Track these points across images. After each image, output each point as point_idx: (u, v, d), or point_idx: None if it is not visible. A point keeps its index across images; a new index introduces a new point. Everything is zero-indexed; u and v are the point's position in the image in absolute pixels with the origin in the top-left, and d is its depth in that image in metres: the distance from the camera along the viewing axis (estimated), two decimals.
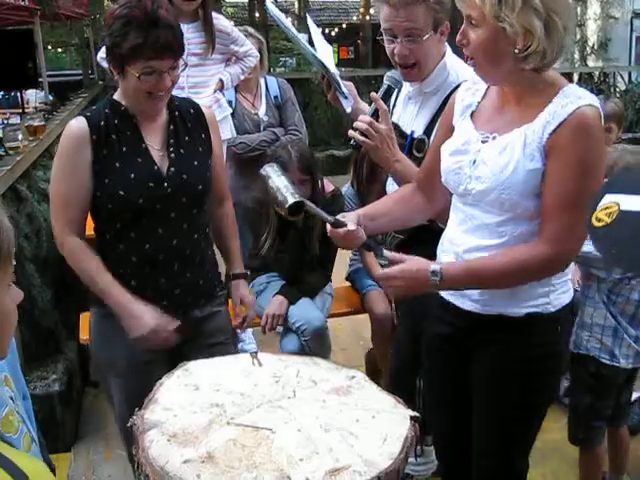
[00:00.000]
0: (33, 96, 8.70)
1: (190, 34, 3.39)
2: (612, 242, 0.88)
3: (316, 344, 3.32)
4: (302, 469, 1.45)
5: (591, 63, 13.82)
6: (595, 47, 13.92)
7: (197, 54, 3.43)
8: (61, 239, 2.19)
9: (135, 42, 1.99)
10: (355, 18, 17.72)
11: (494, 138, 1.87)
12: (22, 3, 6.39)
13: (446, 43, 2.40)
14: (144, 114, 2.18)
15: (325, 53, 2.43)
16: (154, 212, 2.15)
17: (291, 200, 1.95)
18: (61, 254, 2.23)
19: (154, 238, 2.18)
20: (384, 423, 1.64)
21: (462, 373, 2.08)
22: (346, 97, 2.51)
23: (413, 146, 2.40)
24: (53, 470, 1.50)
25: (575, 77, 11.87)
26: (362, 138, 2.20)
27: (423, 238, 2.40)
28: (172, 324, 2.17)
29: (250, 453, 1.50)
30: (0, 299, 1.08)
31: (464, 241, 1.95)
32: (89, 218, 2.23)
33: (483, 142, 1.89)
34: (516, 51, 1.73)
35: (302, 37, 2.48)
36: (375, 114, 2.23)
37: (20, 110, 7.52)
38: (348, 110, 2.56)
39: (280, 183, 1.99)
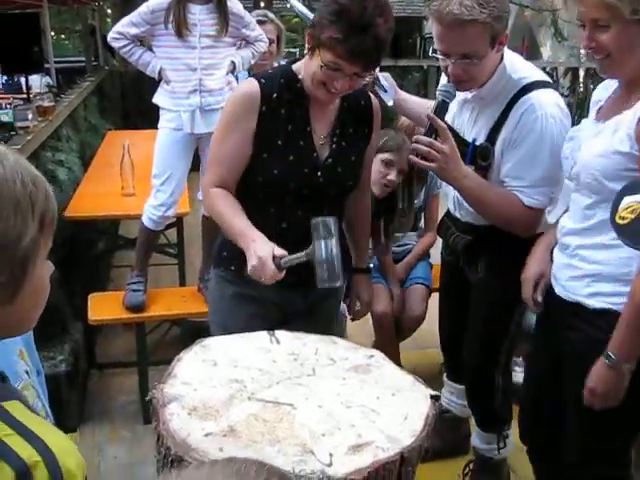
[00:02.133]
0: (37, 81, 8.67)
1: (203, 15, 3.39)
2: (637, 235, 0.88)
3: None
4: (325, 444, 1.44)
5: None
6: None
7: (210, 36, 3.41)
8: (205, 191, 2.19)
9: (335, 36, 1.91)
10: None
11: (603, 122, 1.86)
12: None
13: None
14: (317, 100, 2.11)
15: None
16: (300, 195, 2.11)
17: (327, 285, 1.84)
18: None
19: (293, 218, 2.13)
20: (404, 401, 1.63)
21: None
22: (386, 90, 2.46)
23: (476, 154, 2.30)
24: None
25: (581, 72, 11.84)
26: (425, 163, 2.12)
27: (491, 238, 2.39)
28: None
29: (272, 428, 1.49)
30: (39, 270, 1.05)
31: (564, 224, 2.00)
32: None
33: (591, 130, 1.90)
34: None
35: None
36: (431, 131, 2.13)
37: (25, 95, 7.49)
38: (390, 103, 2.50)
39: (325, 253, 1.82)
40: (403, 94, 2.61)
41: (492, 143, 2.27)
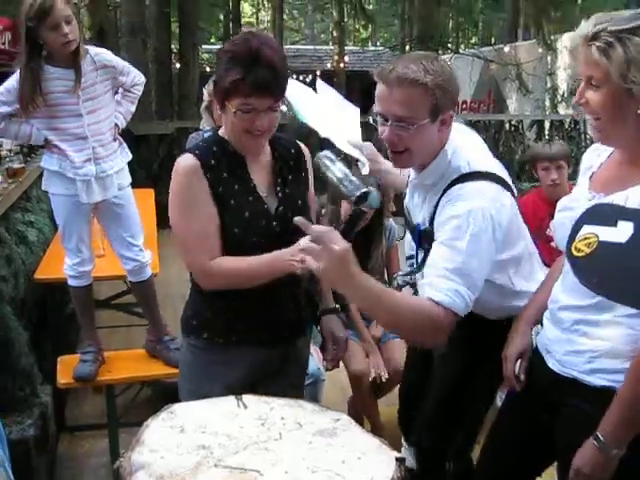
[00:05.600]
0: (8, 142, 8.67)
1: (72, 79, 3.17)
2: (593, 271, 0.92)
3: (311, 394, 3.20)
4: None
5: (562, 111, 14.16)
6: (565, 95, 14.26)
7: (91, 98, 3.24)
8: (205, 270, 2.17)
9: (235, 77, 2.02)
10: (329, 65, 18.02)
11: (601, 196, 1.79)
12: (3, 47, 6.42)
13: (453, 129, 2.13)
14: (249, 152, 2.21)
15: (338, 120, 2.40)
16: (262, 249, 2.15)
17: (356, 192, 1.87)
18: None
19: None
20: (370, 464, 1.65)
21: None
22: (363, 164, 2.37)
23: (422, 238, 2.20)
24: None
25: (547, 124, 12.12)
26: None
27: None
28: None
29: None
30: None
31: (560, 298, 1.90)
32: None
33: (589, 200, 1.81)
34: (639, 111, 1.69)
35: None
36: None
37: None
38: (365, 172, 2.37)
39: (340, 173, 1.94)
40: (387, 164, 2.42)
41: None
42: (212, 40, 21.76)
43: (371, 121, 2.11)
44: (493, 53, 16.02)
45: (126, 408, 3.92)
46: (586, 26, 1.73)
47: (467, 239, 1.94)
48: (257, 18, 32.41)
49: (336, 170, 1.95)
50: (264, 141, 2.21)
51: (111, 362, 3.58)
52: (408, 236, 2.40)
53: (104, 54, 3.33)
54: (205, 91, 4.13)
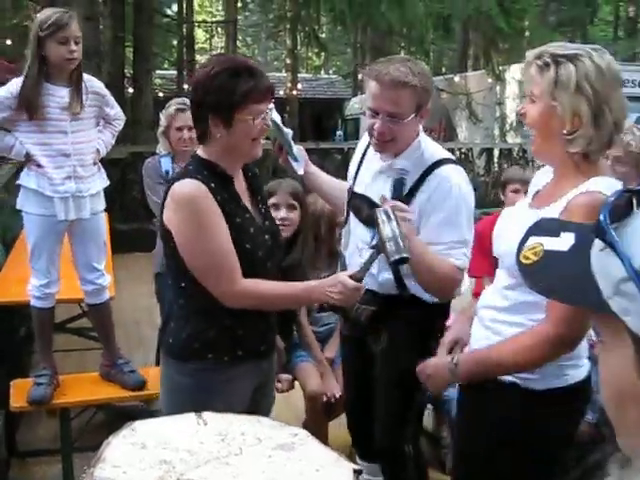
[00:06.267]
0: None
1: (69, 98, 3.29)
2: (540, 277, 1.01)
3: None
4: None
5: (510, 139, 14.48)
6: (514, 124, 14.60)
7: (79, 118, 3.33)
8: (234, 291, 2.23)
9: (247, 87, 2.14)
10: (282, 92, 18.16)
11: (534, 212, 1.96)
12: None
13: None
14: (255, 157, 2.32)
15: (275, 115, 2.53)
16: (265, 262, 2.32)
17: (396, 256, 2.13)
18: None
19: None
20: (328, 476, 1.70)
21: None
22: (297, 160, 2.61)
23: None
24: None
25: (496, 152, 12.38)
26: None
27: (393, 307, 2.53)
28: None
29: None
30: None
31: (484, 297, 2.16)
32: None
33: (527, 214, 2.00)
34: (564, 132, 1.86)
35: None
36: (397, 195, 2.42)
37: None
38: (300, 172, 2.67)
39: (390, 232, 2.14)
40: (314, 168, 2.80)
41: None
42: (165, 66, 21.75)
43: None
44: (444, 82, 16.33)
45: (80, 432, 3.88)
46: (539, 48, 1.92)
47: (462, 213, 2.42)
48: (210, 44, 32.53)
49: (388, 228, 2.14)
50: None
51: (66, 385, 3.56)
52: (359, 230, 2.63)
53: (96, 82, 3.49)
54: (162, 116, 4.15)
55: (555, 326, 1.85)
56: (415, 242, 2.29)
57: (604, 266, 0.86)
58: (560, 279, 0.96)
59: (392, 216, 2.15)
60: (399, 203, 2.32)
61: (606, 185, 1.85)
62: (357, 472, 1.73)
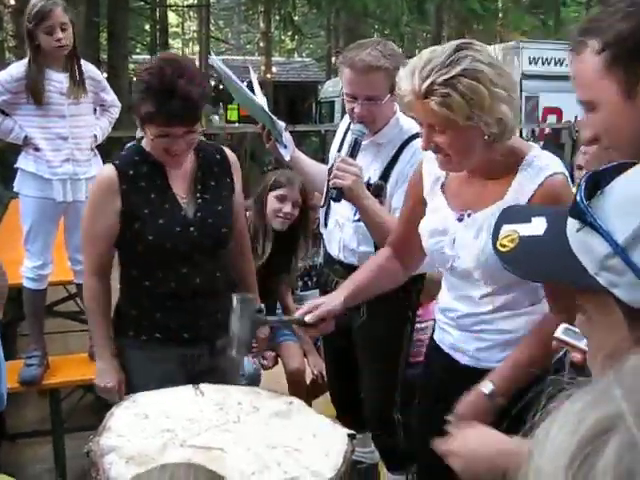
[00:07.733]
0: None
1: (67, 83, 3.36)
2: (521, 262, 1.07)
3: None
4: None
5: None
6: None
7: (77, 103, 3.41)
8: (85, 275, 2.44)
9: (148, 109, 2.14)
10: (256, 76, 18.10)
11: (469, 216, 1.91)
12: None
13: None
14: (169, 167, 2.32)
15: (263, 102, 2.59)
16: (180, 254, 2.30)
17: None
18: None
19: (179, 277, 2.33)
20: (324, 440, 1.79)
21: None
22: (285, 146, 2.67)
23: (371, 192, 2.53)
24: None
25: None
26: (340, 180, 2.39)
27: None
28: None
29: None
30: None
31: (457, 307, 2.05)
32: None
33: (459, 220, 1.94)
34: (486, 137, 1.78)
35: (244, 86, 2.64)
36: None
37: None
38: (287, 158, 2.73)
39: (241, 330, 2.00)
40: (298, 153, 2.89)
41: (385, 180, 2.59)
42: (138, 50, 21.62)
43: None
44: None
45: (69, 413, 3.93)
46: (411, 83, 1.75)
47: None
48: (183, 28, 32.31)
49: (236, 324, 2.00)
50: (183, 159, 2.32)
51: (55, 367, 3.60)
52: (339, 207, 2.68)
53: (91, 67, 3.54)
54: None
55: (569, 312, 1.80)
56: (368, 197, 2.44)
57: (584, 245, 0.93)
58: (541, 261, 1.03)
59: (234, 307, 2.01)
60: (347, 158, 2.46)
61: (559, 163, 1.88)
62: (351, 436, 1.81)
